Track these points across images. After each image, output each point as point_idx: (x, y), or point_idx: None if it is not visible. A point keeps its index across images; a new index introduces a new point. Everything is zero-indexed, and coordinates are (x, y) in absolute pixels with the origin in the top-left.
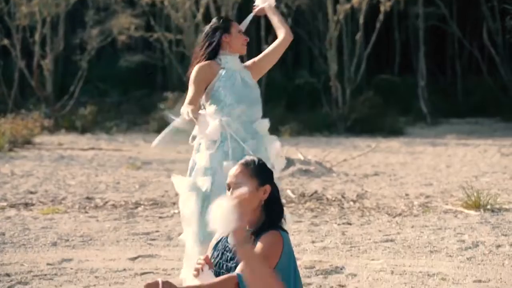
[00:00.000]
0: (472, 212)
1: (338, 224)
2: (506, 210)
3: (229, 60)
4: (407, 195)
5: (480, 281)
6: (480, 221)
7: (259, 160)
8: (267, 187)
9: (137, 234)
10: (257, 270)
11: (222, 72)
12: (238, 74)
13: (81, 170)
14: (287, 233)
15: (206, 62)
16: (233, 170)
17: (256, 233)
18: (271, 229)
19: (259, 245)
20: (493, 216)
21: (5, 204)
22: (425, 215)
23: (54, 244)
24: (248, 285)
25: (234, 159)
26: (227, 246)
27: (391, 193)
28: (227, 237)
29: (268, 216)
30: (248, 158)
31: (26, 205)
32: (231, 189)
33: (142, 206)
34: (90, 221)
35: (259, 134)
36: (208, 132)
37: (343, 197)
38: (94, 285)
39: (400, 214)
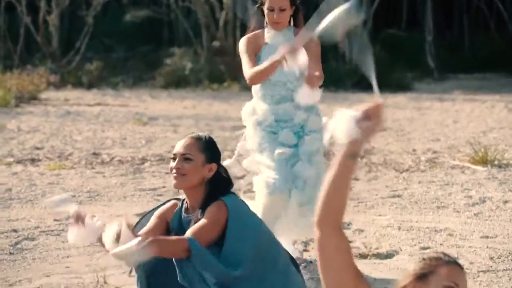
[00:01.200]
0: (479, 167)
1: None
2: None
3: (271, 36)
4: (414, 150)
5: (487, 236)
6: (487, 177)
7: (211, 137)
8: (213, 166)
9: (144, 190)
10: (340, 184)
11: (265, 47)
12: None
13: (88, 126)
14: (235, 195)
15: (254, 33)
16: (183, 141)
17: (202, 210)
18: (212, 202)
19: (202, 220)
20: (500, 171)
21: (11, 160)
22: (432, 171)
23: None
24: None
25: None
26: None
27: (398, 148)
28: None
29: (208, 194)
30: (201, 133)
31: (32, 160)
32: (176, 160)
33: (149, 162)
34: (96, 177)
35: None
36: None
37: None
38: None
39: (407, 170)
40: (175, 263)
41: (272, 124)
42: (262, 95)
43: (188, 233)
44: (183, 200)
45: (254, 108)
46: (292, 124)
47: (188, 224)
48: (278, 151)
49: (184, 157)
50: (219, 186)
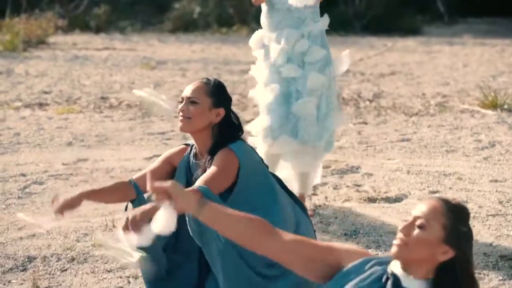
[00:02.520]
0: (489, 111)
1: (354, 124)
2: None
3: None
4: (423, 94)
5: (496, 180)
6: (497, 121)
7: (221, 82)
8: (221, 110)
9: (152, 134)
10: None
11: None
12: None
13: (96, 70)
14: (243, 141)
15: None
16: (191, 84)
17: (211, 156)
18: (220, 148)
19: (212, 168)
20: (510, 115)
21: (19, 104)
22: (441, 115)
23: (70, 144)
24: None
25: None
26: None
27: (408, 92)
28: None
29: (216, 139)
30: (210, 77)
31: (40, 105)
32: (183, 103)
33: None
34: (105, 121)
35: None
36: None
37: (359, 96)
38: None
39: (416, 114)
40: (186, 217)
41: (283, 65)
42: (269, 23)
43: (199, 182)
44: (192, 145)
45: (263, 39)
46: (292, 51)
47: (196, 170)
48: (277, 88)
49: (190, 100)
50: (227, 132)
